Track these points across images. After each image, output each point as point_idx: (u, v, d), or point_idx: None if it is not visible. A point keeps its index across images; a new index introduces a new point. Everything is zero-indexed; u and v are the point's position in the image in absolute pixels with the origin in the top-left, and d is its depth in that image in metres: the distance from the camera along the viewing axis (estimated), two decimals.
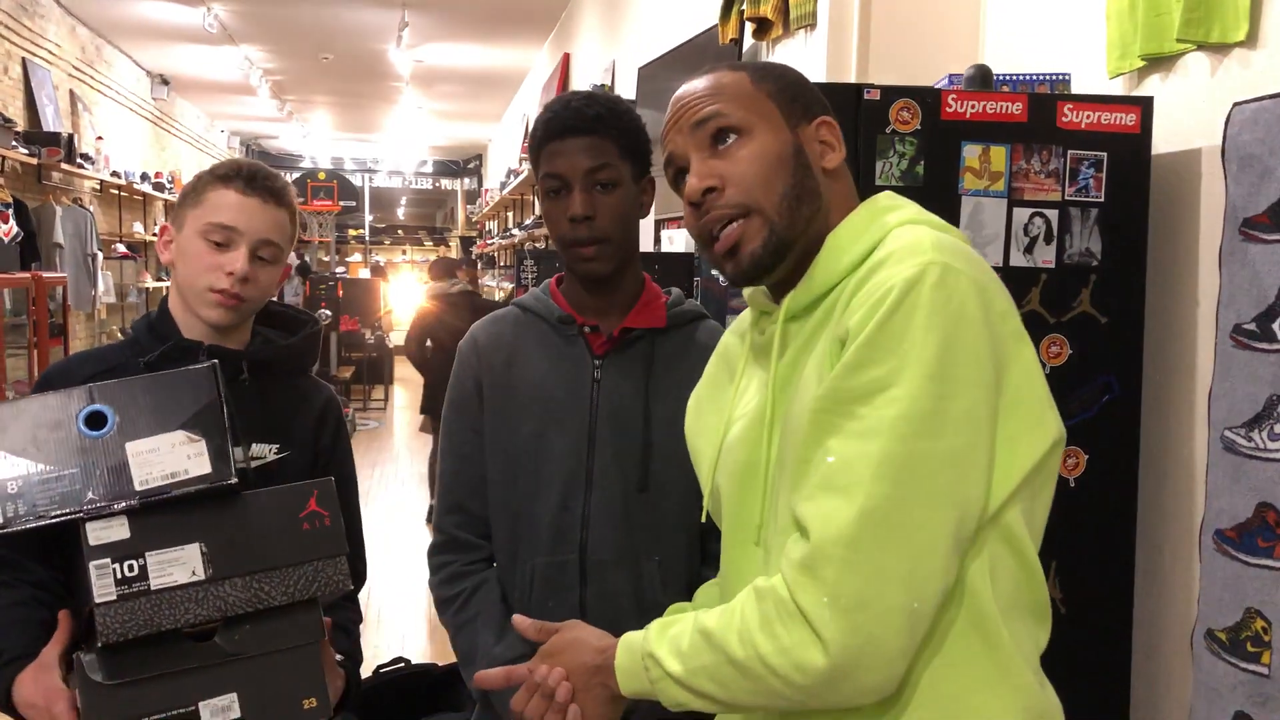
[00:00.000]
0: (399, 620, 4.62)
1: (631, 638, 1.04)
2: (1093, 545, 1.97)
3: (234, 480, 1.20)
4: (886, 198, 1.07)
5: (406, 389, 12.58)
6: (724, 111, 1.04)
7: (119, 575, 1.15)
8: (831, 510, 0.89)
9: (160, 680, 1.16)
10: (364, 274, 14.12)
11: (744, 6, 3.46)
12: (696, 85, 1.08)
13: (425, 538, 6.02)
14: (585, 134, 1.35)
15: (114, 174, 8.94)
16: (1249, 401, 1.70)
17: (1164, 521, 2.02)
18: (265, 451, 1.42)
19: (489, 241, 12.60)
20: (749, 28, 3.47)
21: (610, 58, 6.69)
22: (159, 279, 10.51)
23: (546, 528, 1.40)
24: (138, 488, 1.18)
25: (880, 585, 0.88)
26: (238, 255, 1.36)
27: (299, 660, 1.20)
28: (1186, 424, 1.97)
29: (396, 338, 12.92)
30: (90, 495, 1.17)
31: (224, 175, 1.39)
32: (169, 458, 1.19)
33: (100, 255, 8.14)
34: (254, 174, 1.40)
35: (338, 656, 1.37)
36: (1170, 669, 2.00)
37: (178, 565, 1.17)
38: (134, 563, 1.16)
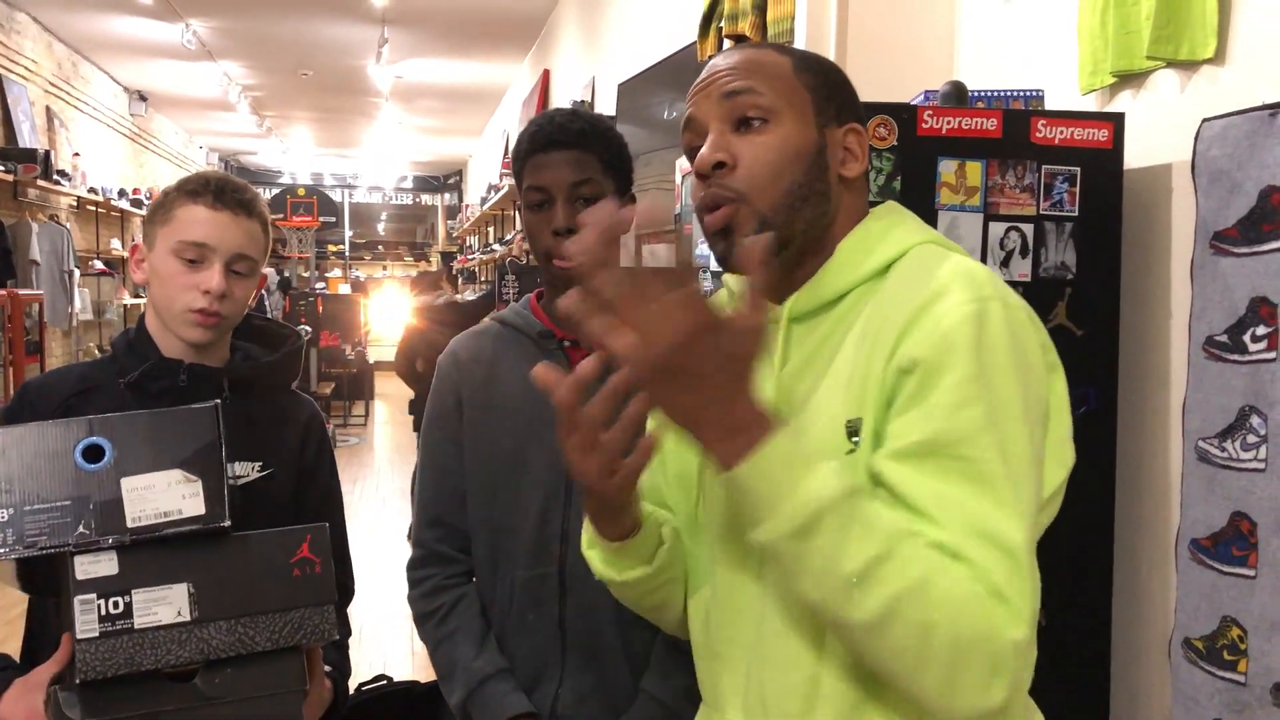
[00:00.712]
0: (381, 637, 4.59)
1: (798, 449, 0.82)
2: (1070, 556, 1.98)
3: (227, 523, 1.19)
4: (897, 210, 1.06)
5: (388, 404, 12.52)
6: (758, 90, 1.00)
7: (103, 612, 1.14)
8: (996, 557, 0.85)
9: None
10: (344, 290, 14.08)
11: (722, 24, 3.49)
12: (736, 56, 1.03)
13: (407, 553, 5.98)
14: (569, 148, 1.37)
15: (91, 190, 8.89)
16: (1222, 412, 1.73)
17: (1140, 531, 2.04)
18: (248, 470, 1.41)
19: (470, 256, 12.58)
20: (727, 45, 3.50)
21: (590, 74, 6.71)
22: (136, 295, 10.44)
23: (526, 541, 1.40)
24: (129, 524, 1.17)
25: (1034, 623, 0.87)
26: (213, 273, 1.35)
27: (279, 707, 1.18)
28: (1161, 435, 1.99)
29: (376, 353, 12.89)
30: (80, 529, 1.17)
31: (192, 191, 1.37)
32: (164, 496, 1.19)
33: (77, 272, 8.09)
34: (222, 187, 1.38)
35: (326, 668, 1.36)
36: (1149, 678, 2.02)
37: (164, 605, 1.16)
38: (120, 600, 1.15)
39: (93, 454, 1.19)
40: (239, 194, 1.38)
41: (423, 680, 2.83)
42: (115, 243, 9.91)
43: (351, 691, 1.79)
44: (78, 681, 1.14)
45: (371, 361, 11.82)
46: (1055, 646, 1.88)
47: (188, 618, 1.16)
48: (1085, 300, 1.98)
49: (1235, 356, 1.71)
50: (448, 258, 15.43)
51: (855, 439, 0.93)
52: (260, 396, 1.44)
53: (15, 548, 1.15)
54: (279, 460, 1.44)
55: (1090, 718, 2.03)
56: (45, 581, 1.24)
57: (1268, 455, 1.64)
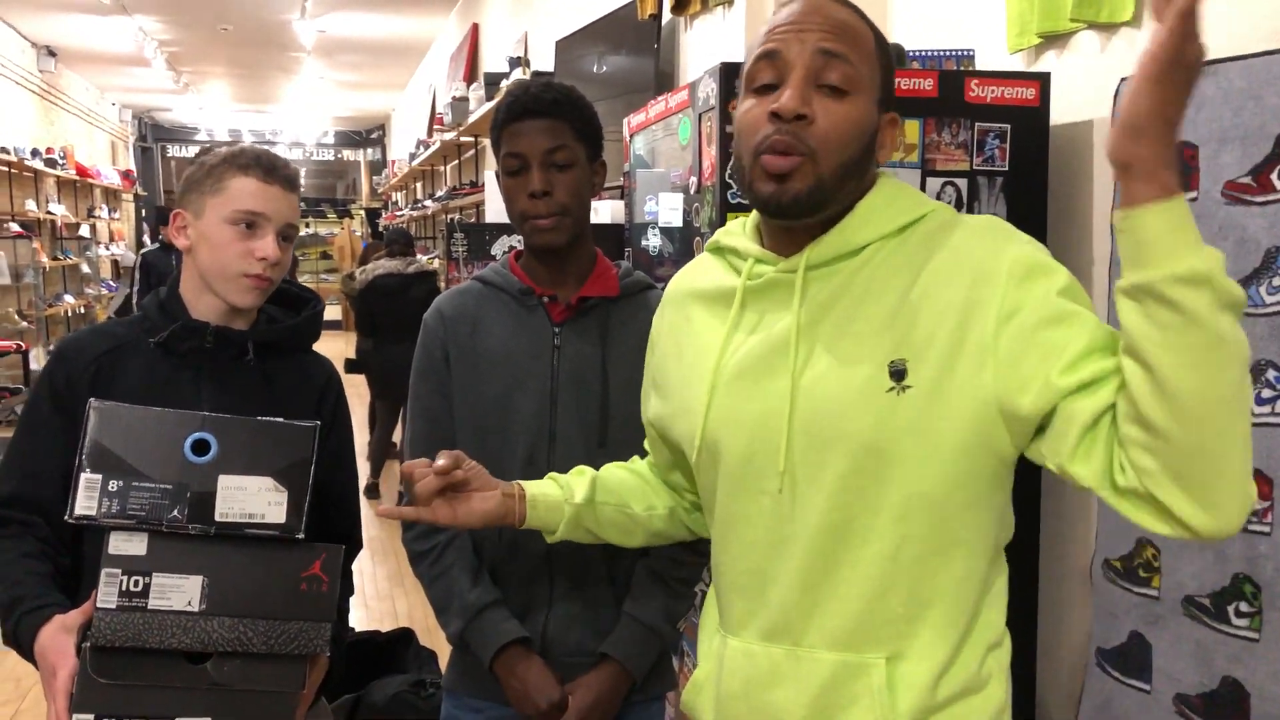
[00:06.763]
0: None
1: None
2: None
3: (301, 535, 1.29)
4: (897, 180, 1.14)
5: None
6: (854, 64, 1.05)
7: (124, 588, 1.24)
8: None
9: (147, 690, 1.25)
10: None
11: None
12: (835, 13, 1.07)
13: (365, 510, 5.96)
14: (543, 116, 1.44)
15: (2, 150, 8.59)
16: None
17: None
18: None
19: (398, 213, 12.44)
20: (667, 2, 3.55)
21: (522, 29, 6.67)
22: (55, 258, 10.15)
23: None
24: (217, 518, 1.27)
25: None
26: (269, 241, 1.42)
27: (274, 704, 1.28)
28: None
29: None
30: (174, 513, 1.26)
31: (243, 165, 1.44)
32: (253, 499, 1.29)
33: None
34: (272, 163, 1.46)
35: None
36: (1073, 595, 2.18)
37: (177, 592, 1.25)
38: (140, 579, 1.25)
39: (200, 448, 1.29)
40: (285, 169, 1.47)
41: (383, 629, 2.91)
42: (30, 204, 9.61)
43: None
44: (88, 645, 1.23)
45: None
46: None
47: (196, 609, 1.25)
48: None
49: None
50: (373, 214, 15.19)
51: (900, 380, 1.02)
52: (283, 357, 1.51)
53: (115, 517, 1.26)
54: (297, 418, 1.50)
55: (1019, 634, 2.19)
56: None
57: None
